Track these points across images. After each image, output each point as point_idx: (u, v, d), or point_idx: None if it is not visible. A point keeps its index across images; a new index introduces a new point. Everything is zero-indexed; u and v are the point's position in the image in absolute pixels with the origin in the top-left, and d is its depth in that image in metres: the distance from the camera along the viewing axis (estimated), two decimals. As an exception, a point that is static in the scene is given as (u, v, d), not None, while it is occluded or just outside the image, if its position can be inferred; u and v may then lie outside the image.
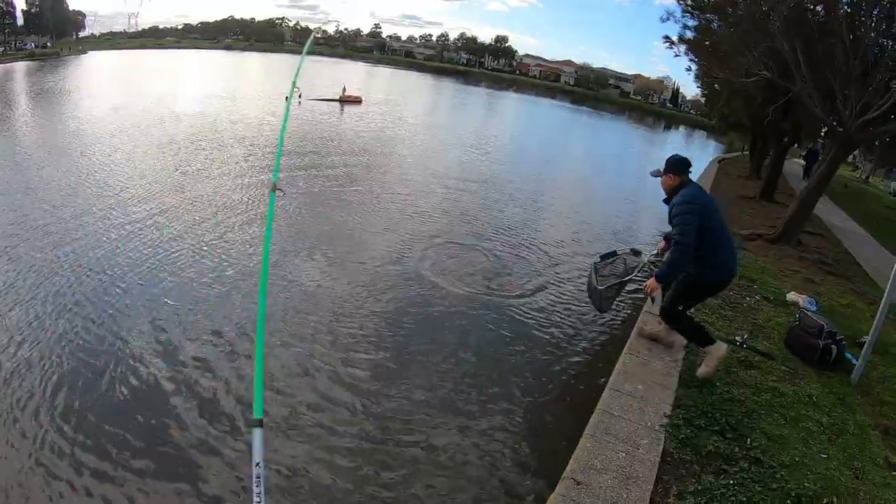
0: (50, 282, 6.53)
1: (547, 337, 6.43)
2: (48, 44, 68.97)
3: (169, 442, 4.13)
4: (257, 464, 1.47)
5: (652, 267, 5.17)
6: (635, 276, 5.31)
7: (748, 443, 3.75)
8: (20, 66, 42.47)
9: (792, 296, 6.89)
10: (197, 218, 9.19)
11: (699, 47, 14.96)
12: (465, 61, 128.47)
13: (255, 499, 1.43)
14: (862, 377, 4.98)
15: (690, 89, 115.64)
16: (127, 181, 11.14)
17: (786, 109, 12.59)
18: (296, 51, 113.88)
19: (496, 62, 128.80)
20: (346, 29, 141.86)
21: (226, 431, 4.27)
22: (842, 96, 8.78)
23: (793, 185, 19.35)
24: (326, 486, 3.85)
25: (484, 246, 9.41)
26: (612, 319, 6.99)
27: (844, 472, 3.65)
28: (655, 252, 5.34)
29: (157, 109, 22.01)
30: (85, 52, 67.96)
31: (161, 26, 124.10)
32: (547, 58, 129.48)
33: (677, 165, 4.54)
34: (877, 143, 20.13)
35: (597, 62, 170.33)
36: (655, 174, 4.66)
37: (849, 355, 5.24)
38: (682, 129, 74.91)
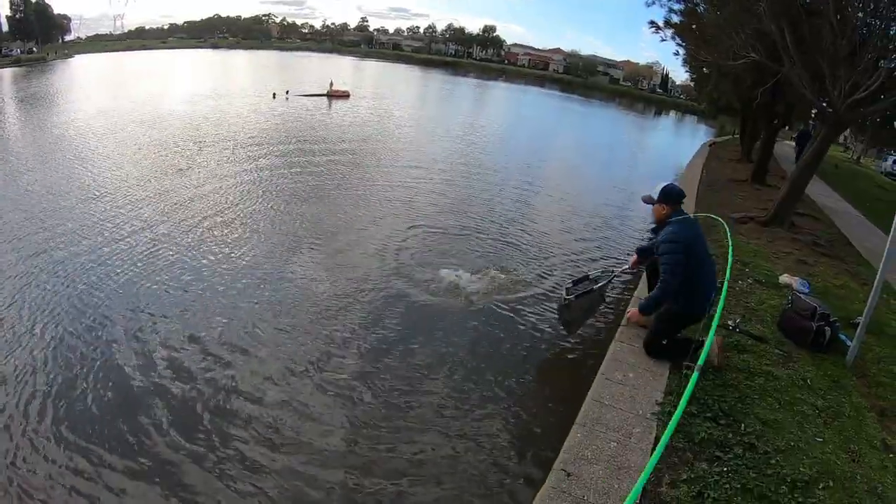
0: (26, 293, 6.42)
1: (533, 327, 6.37)
2: (34, 49, 68.40)
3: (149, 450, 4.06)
4: None
5: (623, 277, 5.21)
6: (605, 287, 5.45)
7: (742, 428, 3.69)
8: (6, 73, 41.83)
9: (785, 278, 6.83)
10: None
11: (686, 31, 14.78)
12: (453, 52, 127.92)
13: None
14: (857, 358, 4.92)
15: (679, 74, 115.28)
16: (115, 184, 11.00)
17: (775, 91, 12.47)
18: (283, 47, 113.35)
19: (484, 52, 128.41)
20: (332, 24, 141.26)
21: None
22: (831, 77, 8.69)
23: (784, 168, 19.28)
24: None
25: (468, 237, 9.36)
26: (602, 308, 6.89)
27: (841, 455, 3.59)
28: (628, 267, 5.53)
29: (141, 110, 21.80)
30: (71, 56, 67.36)
31: (147, 27, 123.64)
32: (535, 46, 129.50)
33: (670, 196, 4.46)
34: (867, 122, 20.05)
35: (585, 50, 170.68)
36: (647, 200, 4.57)
37: (843, 337, 5.18)
38: (672, 114, 75.00)
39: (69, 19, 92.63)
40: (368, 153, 16.48)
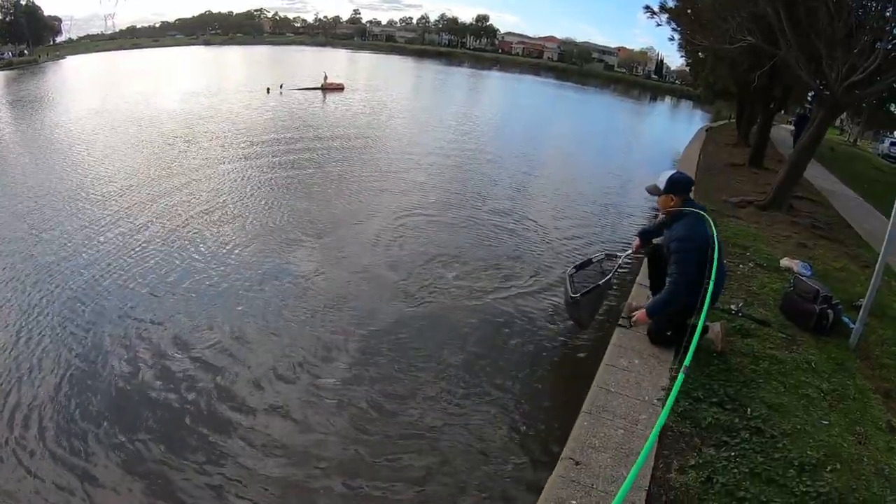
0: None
1: (533, 316, 6.34)
2: (25, 51, 67.85)
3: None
4: None
5: (628, 266, 4.99)
6: (612, 278, 5.18)
7: (748, 413, 3.69)
8: (-2, 77, 41.57)
9: (785, 261, 6.82)
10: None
11: (681, 15, 14.74)
12: (446, 42, 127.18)
13: None
14: (860, 341, 4.92)
15: (675, 60, 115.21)
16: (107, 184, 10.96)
17: (771, 74, 12.43)
18: (275, 42, 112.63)
19: (478, 42, 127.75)
20: (325, 17, 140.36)
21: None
22: (827, 59, 8.65)
23: (781, 151, 19.24)
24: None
25: (464, 228, 9.34)
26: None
27: (847, 438, 3.59)
28: (630, 252, 5.26)
29: (133, 109, 21.74)
30: (63, 57, 66.94)
31: (138, 26, 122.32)
32: (529, 35, 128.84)
33: (679, 186, 4.22)
34: (864, 105, 19.99)
35: (579, 37, 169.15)
36: (652, 191, 4.37)
37: (846, 319, 5.17)
38: (667, 99, 74.79)
39: (60, 21, 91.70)
40: (361, 147, 16.34)
